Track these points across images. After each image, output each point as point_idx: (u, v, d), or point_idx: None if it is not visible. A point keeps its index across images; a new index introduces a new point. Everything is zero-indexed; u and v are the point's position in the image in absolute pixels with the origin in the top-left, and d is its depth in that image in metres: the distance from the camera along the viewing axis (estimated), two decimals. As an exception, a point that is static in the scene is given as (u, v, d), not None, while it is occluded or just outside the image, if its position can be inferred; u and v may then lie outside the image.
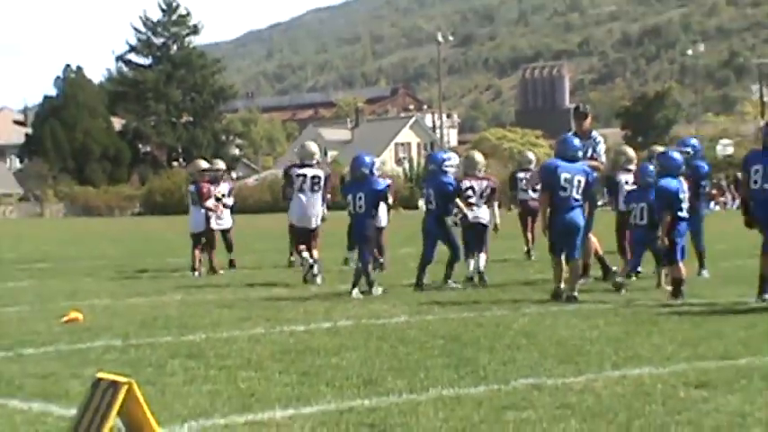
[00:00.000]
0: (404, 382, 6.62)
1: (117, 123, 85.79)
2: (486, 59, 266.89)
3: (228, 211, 17.14)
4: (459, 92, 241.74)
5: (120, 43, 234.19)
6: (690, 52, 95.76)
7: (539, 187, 12.78)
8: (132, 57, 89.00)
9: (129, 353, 8.00)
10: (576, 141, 11.67)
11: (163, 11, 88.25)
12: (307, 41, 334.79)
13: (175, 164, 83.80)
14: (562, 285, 11.18)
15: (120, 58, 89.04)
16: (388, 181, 13.97)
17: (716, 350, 7.68)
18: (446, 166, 12.79)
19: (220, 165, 17.63)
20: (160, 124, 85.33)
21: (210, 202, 16.11)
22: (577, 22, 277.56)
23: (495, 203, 13.63)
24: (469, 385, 6.49)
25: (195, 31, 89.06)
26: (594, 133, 12.92)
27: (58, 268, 17.64)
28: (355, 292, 11.93)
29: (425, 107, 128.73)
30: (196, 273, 15.58)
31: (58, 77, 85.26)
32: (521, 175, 18.70)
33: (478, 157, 13.83)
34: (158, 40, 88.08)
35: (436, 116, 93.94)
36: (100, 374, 5.07)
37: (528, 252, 18.01)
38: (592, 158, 12.43)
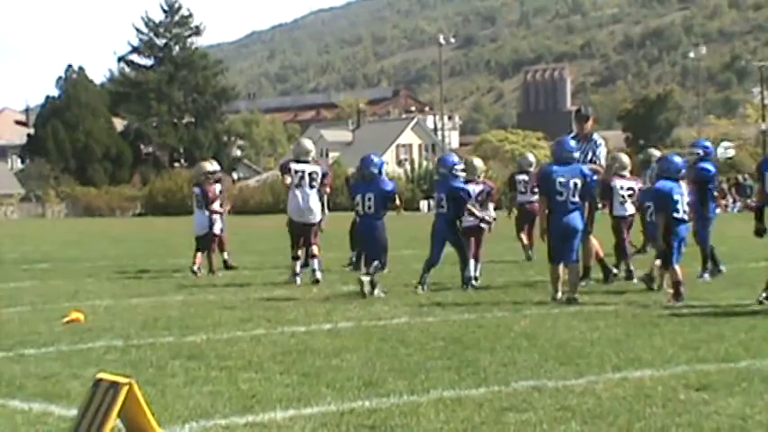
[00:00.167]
0: (404, 383, 6.62)
1: (119, 124, 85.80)
2: (488, 61, 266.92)
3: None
4: (461, 94, 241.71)
5: (121, 44, 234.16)
6: (691, 55, 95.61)
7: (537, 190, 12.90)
8: (134, 57, 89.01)
9: (130, 353, 8.00)
10: (572, 143, 11.67)
11: (165, 12, 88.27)
12: (309, 43, 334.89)
13: (177, 165, 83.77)
14: (559, 295, 11.17)
15: (121, 59, 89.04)
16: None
17: (716, 353, 7.68)
18: (456, 171, 12.83)
19: (216, 166, 17.59)
20: (162, 125, 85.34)
21: (216, 205, 16.14)
22: (579, 24, 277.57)
23: (491, 206, 13.79)
24: (470, 387, 6.49)
25: (197, 31, 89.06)
26: (596, 136, 12.89)
27: (60, 269, 17.64)
28: (370, 286, 11.94)
29: (427, 109, 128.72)
30: (196, 269, 15.60)
31: (59, 78, 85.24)
32: (520, 177, 18.70)
33: (477, 162, 14.02)
34: (160, 41, 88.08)
35: (438, 118, 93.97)
36: (101, 375, 5.08)
37: (528, 256, 18.09)
38: (591, 162, 12.42)
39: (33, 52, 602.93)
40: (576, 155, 11.53)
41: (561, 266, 11.24)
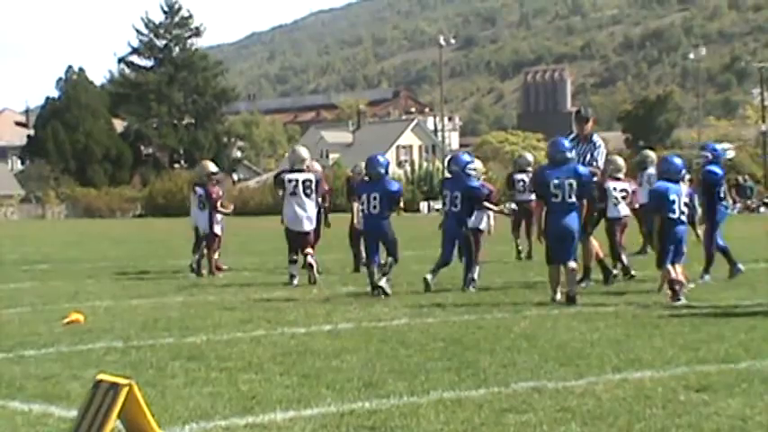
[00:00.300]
0: (404, 384, 6.62)
1: (119, 125, 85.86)
2: (488, 62, 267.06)
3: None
4: (461, 95, 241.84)
5: (122, 45, 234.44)
6: (691, 56, 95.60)
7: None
8: (134, 58, 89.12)
9: (130, 354, 8.00)
10: (566, 143, 11.65)
11: (165, 13, 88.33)
12: (309, 44, 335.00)
13: (177, 166, 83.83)
14: (558, 296, 11.19)
15: (122, 60, 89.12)
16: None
17: (716, 353, 7.68)
18: (469, 169, 12.89)
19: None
20: (162, 126, 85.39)
21: (219, 206, 16.15)
22: (579, 25, 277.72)
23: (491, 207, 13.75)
24: (470, 388, 6.49)
25: (197, 33, 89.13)
26: (595, 137, 12.83)
27: (60, 270, 17.64)
28: (384, 281, 12.07)
29: (427, 110, 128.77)
30: (195, 266, 15.66)
31: (59, 79, 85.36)
32: (518, 176, 18.74)
33: (477, 164, 13.96)
34: (160, 42, 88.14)
35: (438, 119, 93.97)
36: (101, 376, 5.08)
37: (519, 253, 18.23)
38: (589, 164, 12.39)
39: (34, 53, 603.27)
40: (569, 155, 11.50)
41: (559, 267, 11.24)
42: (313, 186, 14.17)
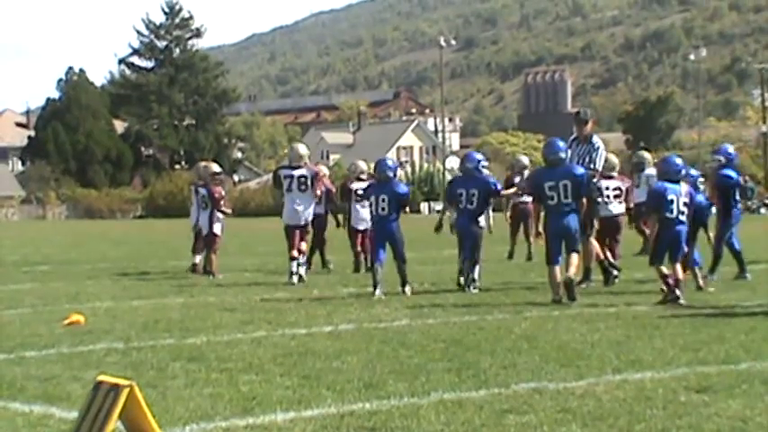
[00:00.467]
0: (405, 385, 6.62)
1: (119, 126, 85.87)
2: (489, 63, 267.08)
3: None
4: (462, 96, 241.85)
5: (122, 46, 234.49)
6: (692, 57, 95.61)
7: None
8: (135, 59, 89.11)
9: (131, 356, 8.00)
10: (561, 143, 11.67)
11: (166, 14, 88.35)
12: (309, 45, 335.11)
13: (177, 167, 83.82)
14: (558, 296, 11.19)
15: (122, 61, 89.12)
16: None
17: (717, 354, 7.69)
18: (482, 167, 13.14)
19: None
20: (162, 127, 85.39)
21: (222, 207, 16.19)
22: (580, 26, 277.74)
23: (490, 207, 14.13)
24: (471, 389, 6.49)
25: (198, 34, 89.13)
26: (595, 138, 12.77)
27: (60, 271, 17.65)
28: (407, 289, 12.42)
29: (428, 111, 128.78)
30: (218, 275, 15.71)
31: (60, 80, 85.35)
32: (515, 179, 18.79)
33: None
34: (161, 43, 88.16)
35: (438, 120, 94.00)
36: (101, 377, 5.08)
37: (511, 255, 18.34)
38: (588, 166, 12.37)
39: (34, 54, 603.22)
40: (564, 156, 11.52)
41: (558, 268, 11.26)
42: (308, 182, 14.32)
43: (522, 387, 6.50)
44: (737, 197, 13.93)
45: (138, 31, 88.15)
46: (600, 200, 13.47)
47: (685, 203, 11.31)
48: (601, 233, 13.41)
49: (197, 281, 15.16)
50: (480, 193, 12.85)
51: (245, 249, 22.44)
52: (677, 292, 10.94)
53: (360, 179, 16.52)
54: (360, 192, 16.30)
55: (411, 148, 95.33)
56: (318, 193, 14.82)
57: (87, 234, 37.72)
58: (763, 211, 53.78)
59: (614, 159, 14.35)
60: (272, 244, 24.26)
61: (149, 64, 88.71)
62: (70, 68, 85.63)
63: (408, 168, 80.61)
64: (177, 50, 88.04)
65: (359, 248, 16.46)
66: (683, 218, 11.28)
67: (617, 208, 13.89)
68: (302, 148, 14.78)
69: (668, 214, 11.22)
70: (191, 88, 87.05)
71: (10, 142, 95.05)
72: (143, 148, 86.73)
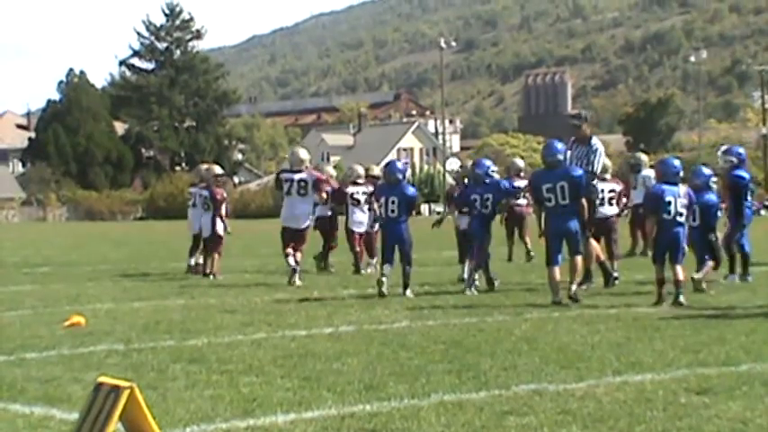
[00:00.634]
0: (405, 387, 6.62)
1: (120, 128, 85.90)
2: (489, 65, 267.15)
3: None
4: (462, 97, 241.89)
5: (123, 48, 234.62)
6: (692, 59, 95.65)
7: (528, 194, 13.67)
8: (135, 61, 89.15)
9: (131, 357, 8.01)
10: (559, 145, 11.68)
11: (166, 15, 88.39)
12: (310, 46, 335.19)
13: (178, 168, 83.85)
14: (558, 297, 11.21)
15: (123, 63, 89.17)
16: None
17: (717, 356, 7.69)
18: (492, 172, 13.45)
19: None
20: (163, 129, 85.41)
21: (223, 208, 16.23)
22: (580, 28, 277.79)
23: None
24: (471, 390, 6.49)
25: (198, 35, 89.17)
26: (594, 140, 12.64)
27: (61, 272, 17.65)
28: (408, 292, 12.42)
29: (428, 112, 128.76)
30: (218, 276, 15.77)
31: (61, 82, 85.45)
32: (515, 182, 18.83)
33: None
34: (161, 45, 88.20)
35: (439, 122, 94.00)
36: (102, 379, 5.08)
37: (510, 257, 18.36)
38: (586, 168, 12.33)
39: (35, 56, 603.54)
40: (561, 157, 11.54)
41: (558, 269, 11.28)
42: (308, 187, 14.42)
43: (523, 389, 6.50)
44: (749, 198, 13.95)
45: (139, 33, 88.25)
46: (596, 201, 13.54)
47: (684, 205, 11.32)
48: (595, 235, 13.44)
49: (198, 282, 15.15)
50: (495, 196, 13.15)
51: (246, 251, 22.43)
52: (664, 297, 11.02)
53: (356, 183, 16.62)
54: (356, 195, 16.41)
55: (411, 149, 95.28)
56: (324, 195, 15.01)
57: (88, 236, 37.72)
58: (763, 212, 53.77)
59: (607, 162, 14.40)
60: (272, 245, 24.23)
61: (150, 66, 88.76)
62: (71, 70, 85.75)
63: (409, 170, 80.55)
64: (178, 52, 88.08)
65: (357, 249, 16.54)
66: (680, 219, 11.30)
67: (610, 210, 13.91)
68: (303, 153, 14.88)
69: (665, 216, 11.25)
70: (191, 90, 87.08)
71: (10, 144, 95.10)
72: (143, 150, 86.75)
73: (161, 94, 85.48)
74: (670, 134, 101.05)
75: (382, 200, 12.83)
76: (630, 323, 9.60)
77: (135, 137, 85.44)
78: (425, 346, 8.35)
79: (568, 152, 11.85)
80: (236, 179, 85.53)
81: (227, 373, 7.21)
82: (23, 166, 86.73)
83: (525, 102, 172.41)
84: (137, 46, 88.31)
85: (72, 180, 78.52)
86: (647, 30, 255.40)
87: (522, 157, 20.86)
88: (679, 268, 11.19)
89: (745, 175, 13.85)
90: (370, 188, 16.42)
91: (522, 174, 18.83)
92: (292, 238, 14.43)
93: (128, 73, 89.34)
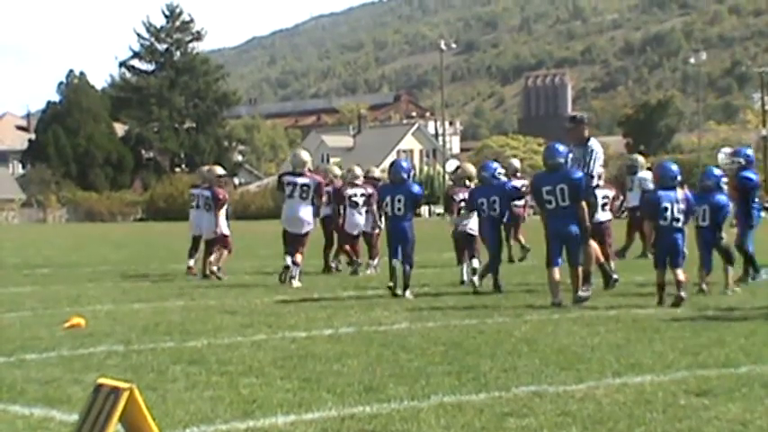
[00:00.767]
0: (405, 388, 6.62)
1: (120, 129, 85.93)
2: (489, 67, 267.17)
3: None
4: (462, 99, 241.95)
5: (123, 49, 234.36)
6: (692, 61, 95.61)
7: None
8: (135, 63, 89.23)
9: (131, 358, 8.01)
10: (561, 148, 11.67)
11: (166, 17, 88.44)
12: (310, 48, 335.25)
13: (178, 170, 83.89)
14: (558, 299, 11.22)
15: (123, 64, 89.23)
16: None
17: (717, 358, 7.69)
18: (498, 174, 13.76)
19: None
20: (163, 130, 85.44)
21: (224, 209, 16.34)
22: (580, 30, 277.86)
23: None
24: (471, 392, 6.49)
25: (198, 37, 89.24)
26: (591, 142, 12.44)
27: (61, 274, 17.65)
28: (408, 293, 12.48)
29: (428, 114, 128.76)
30: (215, 269, 15.92)
31: (61, 83, 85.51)
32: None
33: (471, 169, 14.96)
34: (161, 47, 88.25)
35: (439, 123, 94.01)
36: (101, 380, 5.08)
37: (509, 259, 18.45)
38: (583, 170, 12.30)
39: (35, 57, 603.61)
40: (562, 160, 11.53)
41: (558, 270, 11.30)
42: (310, 191, 14.51)
43: (523, 390, 6.51)
44: (757, 199, 13.96)
45: (139, 35, 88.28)
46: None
47: (681, 210, 11.34)
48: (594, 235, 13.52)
49: (197, 284, 15.16)
50: (501, 198, 13.32)
51: (246, 252, 22.41)
52: (664, 301, 11.07)
53: (355, 185, 16.68)
54: (354, 198, 16.46)
55: (411, 151, 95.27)
56: (324, 200, 15.21)
57: (88, 237, 37.72)
58: (763, 214, 53.79)
59: (600, 169, 14.44)
60: (272, 247, 24.26)
61: (150, 67, 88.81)
62: (71, 71, 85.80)
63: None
64: (178, 53, 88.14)
65: (350, 250, 16.71)
66: (678, 224, 11.36)
67: (604, 215, 13.91)
68: (305, 155, 15.01)
69: (662, 222, 11.32)
70: (191, 91, 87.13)
71: (10, 145, 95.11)
72: (143, 151, 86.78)
73: (161, 96, 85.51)
74: (670, 136, 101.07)
75: (388, 199, 12.88)
76: (630, 325, 9.60)
77: (135, 138, 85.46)
78: (425, 347, 8.35)
79: (570, 155, 11.83)
80: (235, 180, 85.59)
81: (227, 375, 7.21)
82: (23, 167, 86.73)
83: (525, 103, 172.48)
84: (137, 47, 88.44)
85: (72, 181, 78.54)
86: (647, 31, 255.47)
87: (522, 159, 20.92)
88: (680, 271, 11.21)
89: (753, 176, 13.85)
90: (369, 190, 16.48)
91: (518, 174, 18.89)
92: (293, 241, 14.48)
93: (128, 74, 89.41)
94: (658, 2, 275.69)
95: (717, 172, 12.99)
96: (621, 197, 16.70)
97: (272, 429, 5.61)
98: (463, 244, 14.09)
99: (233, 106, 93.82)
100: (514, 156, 73.86)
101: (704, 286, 12.36)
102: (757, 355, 7.86)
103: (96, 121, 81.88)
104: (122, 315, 11.02)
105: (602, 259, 13.16)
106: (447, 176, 65.51)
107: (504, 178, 13.82)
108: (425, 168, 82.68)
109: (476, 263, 13.68)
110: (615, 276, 13.26)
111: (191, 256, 16.70)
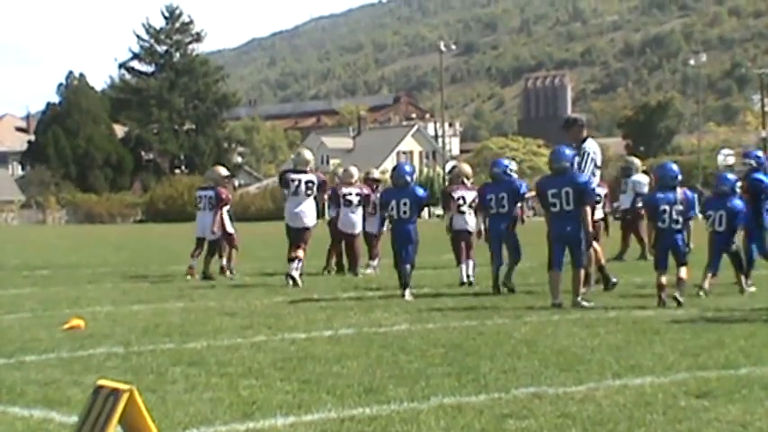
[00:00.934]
0: (405, 390, 6.62)
1: (119, 131, 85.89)
2: (489, 68, 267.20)
3: None
4: (462, 101, 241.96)
5: (122, 51, 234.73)
6: (692, 62, 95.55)
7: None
8: (135, 64, 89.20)
9: (131, 360, 8.01)
10: (568, 151, 11.68)
11: (166, 18, 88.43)
12: (309, 49, 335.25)
13: (178, 171, 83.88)
14: (557, 300, 11.23)
15: (122, 66, 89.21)
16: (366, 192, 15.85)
17: (717, 359, 7.69)
18: (510, 171, 13.77)
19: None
20: (162, 132, 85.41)
21: (226, 209, 16.52)
22: (580, 31, 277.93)
23: (481, 214, 14.56)
24: (470, 394, 6.49)
25: (198, 38, 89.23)
26: (586, 144, 12.38)
27: (60, 275, 17.64)
28: (407, 293, 12.52)
29: (428, 116, 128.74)
30: (230, 274, 16.20)
31: (60, 84, 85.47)
32: None
33: (467, 168, 15.25)
34: (161, 48, 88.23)
35: (438, 125, 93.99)
36: (101, 382, 5.08)
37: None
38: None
39: (34, 59, 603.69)
40: (567, 164, 11.55)
41: (559, 272, 11.31)
42: (314, 188, 14.79)
43: (522, 392, 6.50)
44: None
45: (139, 36, 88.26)
46: None
47: (680, 211, 11.35)
48: None
49: (197, 285, 15.16)
50: (509, 195, 13.41)
51: (245, 253, 22.39)
52: (664, 302, 11.09)
53: (349, 184, 16.78)
54: (349, 197, 16.52)
55: (411, 152, 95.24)
56: (326, 197, 15.53)
57: (87, 238, 37.72)
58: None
59: None
60: (271, 248, 24.27)
61: (149, 68, 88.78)
62: (70, 73, 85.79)
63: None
64: (177, 55, 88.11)
65: (336, 252, 16.89)
66: (676, 226, 11.38)
67: (597, 214, 13.96)
68: (308, 154, 15.30)
69: (661, 224, 11.38)
70: (191, 93, 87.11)
71: (10, 147, 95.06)
72: (143, 153, 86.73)
73: (161, 97, 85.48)
74: (669, 137, 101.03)
75: (393, 203, 12.94)
76: (630, 326, 9.60)
77: (134, 140, 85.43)
78: (425, 349, 8.35)
79: (576, 158, 11.81)
80: (235, 182, 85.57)
81: (227, 376, 7.21)
82: (23, 168, 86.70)
83: (525, 105, 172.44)
84: (136, 49, 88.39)
85: (71, 183, 78.49)
86: (647, 33, 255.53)
87: (522, 160, 20.90)
88: (684, 269, 11.27)
89: (764, 178, 13.82)
90: (365, 190, 16.64)
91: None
92: (296, 236, 14.66)
93: (127, 76, 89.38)
94: (658, 3, 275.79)
95: (731, 176, 13.00)
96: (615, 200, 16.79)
97: (272, 431, 5.61)
98: (461, 243, 14.28)
99: (233, 108, 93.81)
100: (514, 157, 73.86)
101: (706, 285, 12.33)
102: (757, 356, 7.86)
103: (96, 122, 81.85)
104: (122, 316, 11.02)
105: (602, 261, 13.17)
106: (447, 178, 65.57)
107: (515, 175, 13.87)
108: (425, 170, 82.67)
109: (471, 264, 13.95)
110: (614, 280, 13.24)
111: (193, 256, 16.73)
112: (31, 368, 7.68)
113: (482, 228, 14.26)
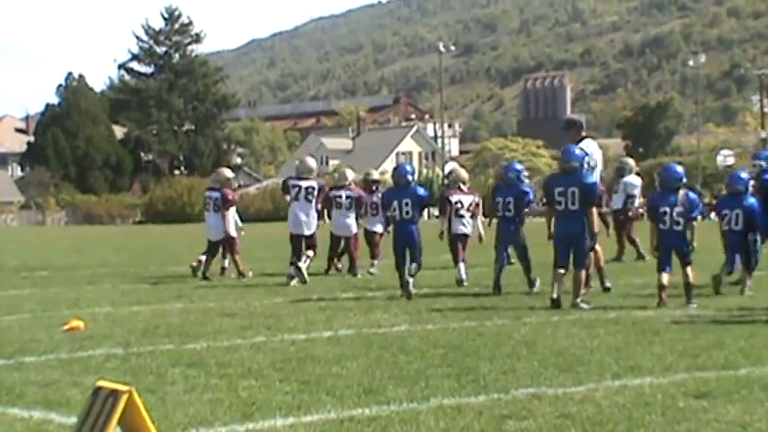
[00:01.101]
0: (404, 391, 6.62)
1: (119, 131, 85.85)
2: (488, 69, 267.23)
3: None
4: (461, 101, 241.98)
5: (122, 52, 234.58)
6: (691, 63, 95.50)
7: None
8: (134, 65, 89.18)
9: (130, 361, 8.01)
10: (577, 151, 11.69)
11: (165, 19, 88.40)
12: (309, 50, 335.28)
13: (177, 172, 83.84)
14: (555, 295, 11.24)
15: (122, 67, 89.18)
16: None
17: (716, 360, 7.69)
18: (522, 176, 13.93)
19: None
20: (162, 133, 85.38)
21: (233, 210, 16.63)
22: (579, 32, 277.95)
23: (480, 216, 15.01)
24: (470, 394, 6.50)
25: (197, 39, 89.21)
26: (583, 143, 12.46)
27: (60, 276, 17.64)
28: (411, 282, 12.63)
29: (427, 116, 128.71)
30: (247, 274, 16.21)
31: (60, 85, 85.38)
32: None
33: (463, 173, 15.35)
34: (160, 49, 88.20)
35: (438, 125, 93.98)
36: (100, 383, 5.08)
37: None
38: None
39: (34, 60, 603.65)
40: (576, 164, 11.54)
41: (561, 271, 11.33)
42: (315, 193, 14.94)
43: (522, 392, 6.51)
44: None
45: (138, 37, 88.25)
46: None
47: (680, 213, 11.35)
48: None
49: (196, 285, 15.16)
50: (515, 200, 13.50)
51: (245, 254, 22.36)
52: (665, 303, 11.11)
53: (340, 186, 16.86)
54: (338, 198, 16.59)
55: (410, 153, 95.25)
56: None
57: (87, 239, 37.70)
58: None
59: None
60: (271, 249, 24.27)
61: (149, 69, 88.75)
62: (70, 74, 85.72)
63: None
64: (177, 56, 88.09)
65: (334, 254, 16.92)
66: (677, 228, 11.38)
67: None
68: (312, 162, 15.47)
69: (661, 226, 11.39)
70: (190, 94, 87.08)
71: (9, 148, 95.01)
72: (142, 154, 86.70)
73: (160, 98, 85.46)
74: (669, 138, 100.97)
75: (395, 203, 13.02)
76: (629, 327, 9.60)
77: (134, 141, 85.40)
78: (425, 349, 8.35)
79: (585, 157, 11.80)
80: (235, 183, 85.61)
81: (226, 377, 7.21)
82: (22, 169, 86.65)
83: (524, 106, 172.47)
84: (136, 50, 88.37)
85: (71, 184, 78.46)
86: (646, 34, 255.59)
87: (521, 161, 21.04)
88: (689, 270, 11.27)
89: None
90: (356, 193, 16.71)
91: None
92: (300, 243, 14.84)
93: (127, 77, 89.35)
94: (657, 4, 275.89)
95: (744, 175, 13.03)
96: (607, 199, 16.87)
97: (272, 432, 5.61)
98: (458, 245, 14.47)
99: (232, 109, 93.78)
100: (513, 158, 73.88)
101: (750, 291, 12.35)
102: (756, 357, 7.86)
103: (95, 123, 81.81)
104: (121, 317, 11.02)
105: (601, 263, 13.16)
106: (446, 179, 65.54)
107: (527, 181, 14.04)
108: (424, 171, 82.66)
109: (462, 267, 14.14)
110: (608, 284, 13.20)
111: (217, 256, 16.80)
112: (30, 369, 7.68)
113: (481, 230, 14.40)
